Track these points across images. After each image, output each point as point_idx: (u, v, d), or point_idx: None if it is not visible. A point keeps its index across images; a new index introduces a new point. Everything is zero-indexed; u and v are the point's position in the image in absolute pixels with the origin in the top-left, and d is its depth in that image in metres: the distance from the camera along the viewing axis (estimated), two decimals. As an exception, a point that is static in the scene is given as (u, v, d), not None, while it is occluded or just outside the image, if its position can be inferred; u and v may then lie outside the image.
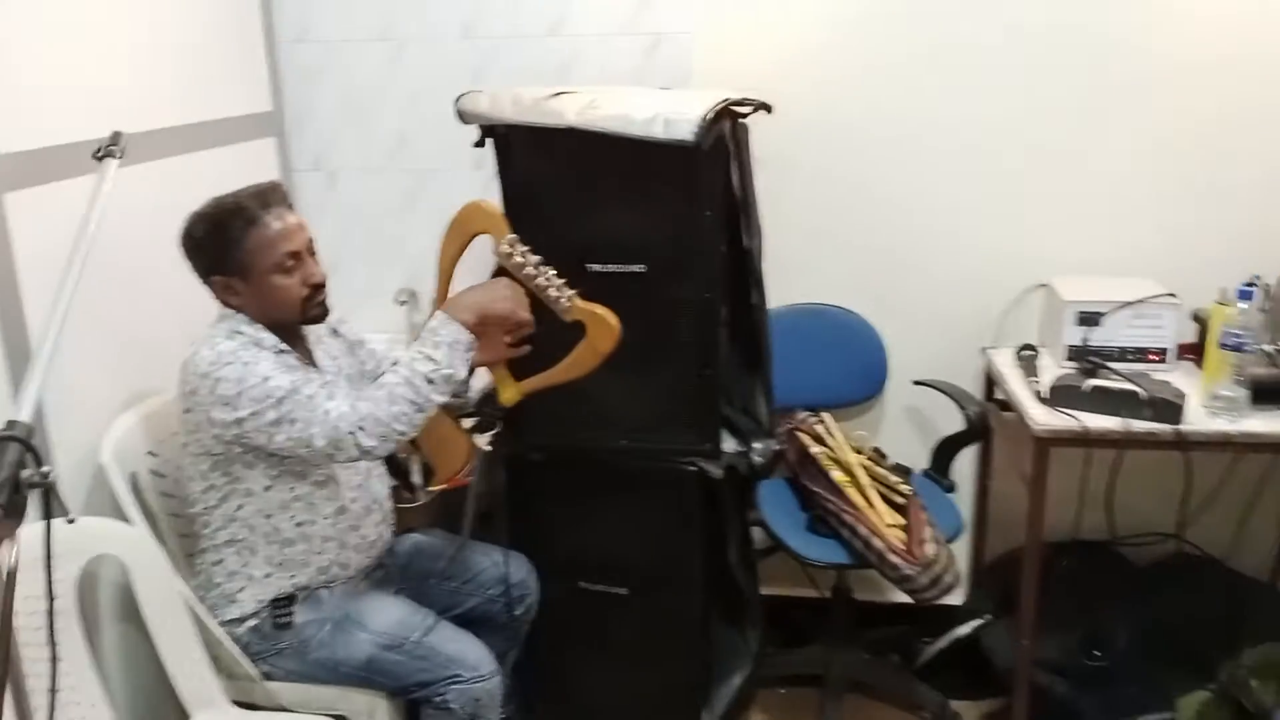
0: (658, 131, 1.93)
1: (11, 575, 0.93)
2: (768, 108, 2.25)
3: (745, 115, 2.18)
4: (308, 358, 1.95)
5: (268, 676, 1.91)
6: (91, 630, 1.92)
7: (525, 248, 1.82)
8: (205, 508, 1.88)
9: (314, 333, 2.01)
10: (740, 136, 2.21)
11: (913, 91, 2.51)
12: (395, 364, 1.78)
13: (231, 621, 1.89)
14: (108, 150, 1.29)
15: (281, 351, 1.84)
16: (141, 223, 1.84)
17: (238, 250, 1.79)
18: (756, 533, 2.46)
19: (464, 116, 2.14)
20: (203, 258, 1.82)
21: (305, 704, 1.91)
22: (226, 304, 1.85)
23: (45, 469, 0.87)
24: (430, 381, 1.72)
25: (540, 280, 1.83)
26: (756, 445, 2.28)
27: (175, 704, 1.88)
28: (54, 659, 1.05)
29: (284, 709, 1.91)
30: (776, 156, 2.53)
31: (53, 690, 1.02)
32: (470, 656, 1.88)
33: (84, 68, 1.97)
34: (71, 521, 0.91)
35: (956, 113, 2.50)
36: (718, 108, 1.95)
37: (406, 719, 1.98)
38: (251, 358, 1.76)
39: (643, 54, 2.57)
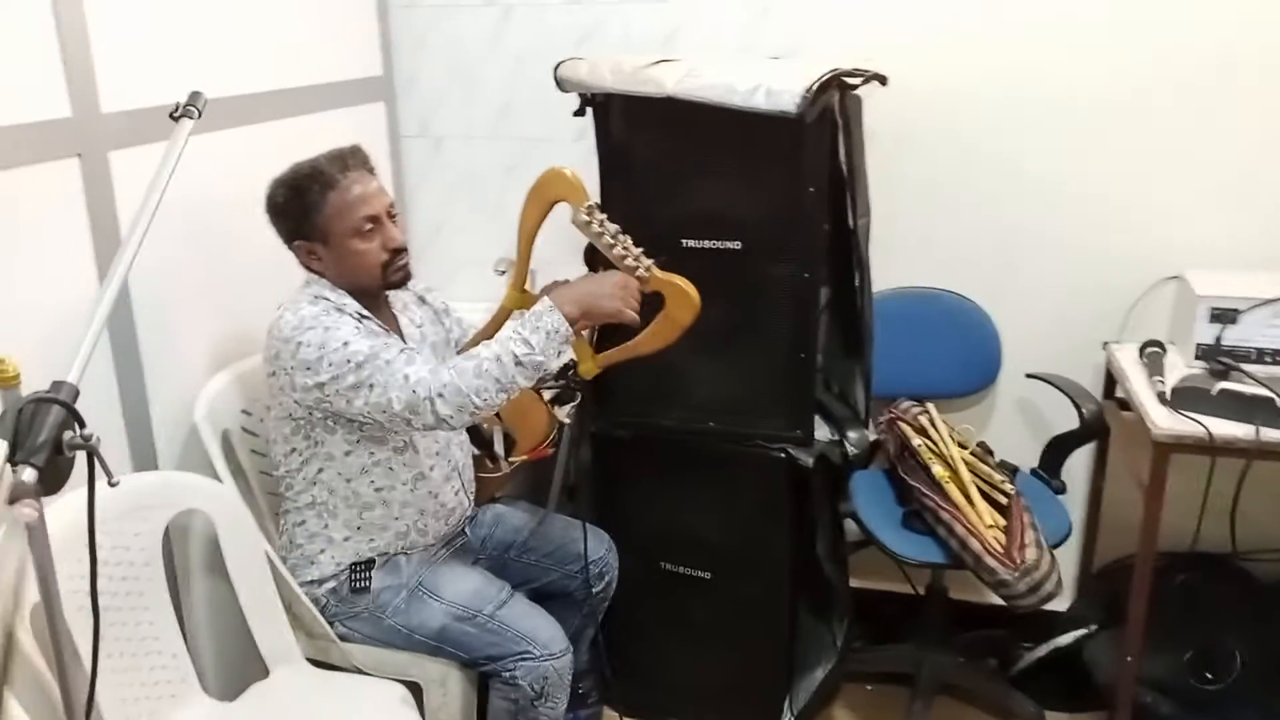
0: (759, 102, 1.85)
1: (41, 533, 0.93)
2: (882, 79, 2.14)
3: (855, 86, 2.07)
4: (392, 324, 1.95)
5: (344, 638, 1.93)
6: (181, 582, 1.98)
7: (603, 215, 1.76)
8: (288, 470, 1.90)
9: (399, 299, 2.01)
10: (850, 109, 2.11)
11: (1037, 68, 2.34)
12: (491, 340, 1.75)
13: (311, 582, 1.92)
14: (185, 110, 1.29)
15: (364, 317, 1.84)
16: (248, 184, 1.85)
17: (317, 215, 1.80)
18: (849, 524, 2.37)
19: (563, 84, 2.09)
20: (285, 223, 1.83)
21: (379, 667, 1.92)
22: (309, 269, 1.86)
23: (87, 432, 0.86)
24: (520, 364, 1.69)
25: (618, 249, 1.77)
26: (851, 434, 2.19)
27: (256, 658, 1.92)
28: (95, 617, 1.05)
29: (359, 671, 1.93)
30: (891, 131, 2.41)
31: (95, 647, 1.03)
32: (542, 634, 1.86)
33: (195, 29, 2.00)
34: (114, 484, 0.90)
35: (1084, 90, 2.32)
36: (824, 78, 1.86)
37: (478, 690, 1.98)
38: (333, 323, 1.76)
39: (753, 21, 2.47)
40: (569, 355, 1.93)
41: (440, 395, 1.68)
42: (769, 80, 1.85)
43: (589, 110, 2.11)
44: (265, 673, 1.92)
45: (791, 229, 2.01)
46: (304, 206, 1.79)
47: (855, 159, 2.11)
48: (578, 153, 2.47)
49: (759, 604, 2.27)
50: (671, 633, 2.38)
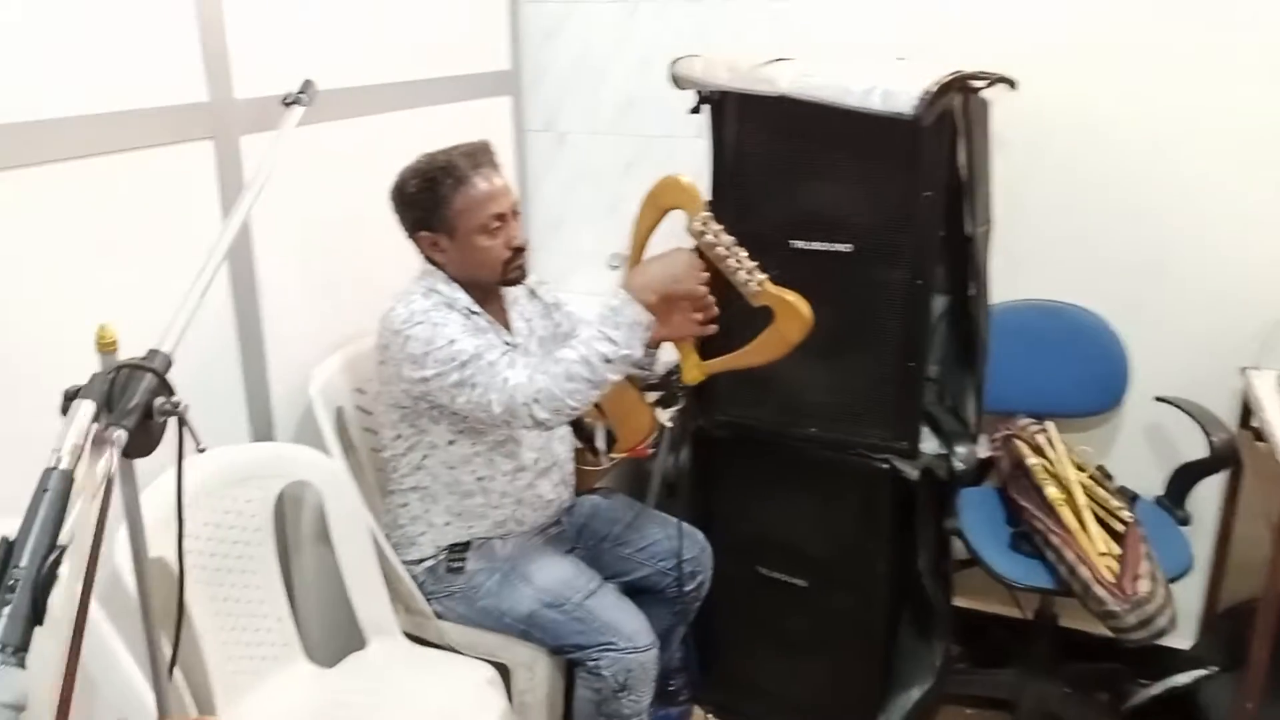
0: (875, 103, 1.81)
1: (132, 494, 0.98)
2: (1010, 83, 2.05)
3: (979, 90, 2.00)
4: (501, 318, 1.99)
5: (439, 616, 1.98)
6: (292, 550, 2.07)
7: (719, 227, 1.75)
8: (394, 454, 1.96)
9: (510, 293, 2.04)
10: (974, 113, 2.03)
11: (1179, 77, 2.21)
12: (576, 339, 1.76)
13: (411, 561, 1.98)
14: (296, 98, 1.35)
15: (473, 313, 1.89)
16: (374, 172, 1.93)
17: (446, 208, 1.84)
18: (956, 542, 2.29)
19: (678, 81, 2.09)
20: (412, 212, 1.88)
21: (471, 647, 1.97)
22: (430, 260, 1.91)
23: (176, 399, 0.91)
24: (608, 361, 1.71)
25: (731, 261, 1.76)
26: (959, 449, 2.12)
27: (355, 629, 1.99)
28: (181, 577, 1.10)
29: (452, 649, 1.98)
30: (1023, 138, 2.32)
31: (180, 605, 1.08)
32: (627, 626, 1.87)
33: (328, 19, 2.08)
34: (202, 451, 0.95)
35: (1227, 102, 2.18)
36: (944, 81, 1.80)
37: (565, 677, 2.00)
38: (442, 319, 1.80)
39: (883, 22, 2.41)
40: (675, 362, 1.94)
41: (536, 400, 1.71)
42: (886, 81, 1.80)
43: (705, 108, 2.10)
44: (363, 643, 1.99)
45: (904, 233, 1.96)
46: (435, 199, 1.84)
47: (977, 164, 2.04)
48: (699, 151, 2.47)
49: (855, 617, 2.23)
50: (765, 638, 2.36)
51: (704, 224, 1.74)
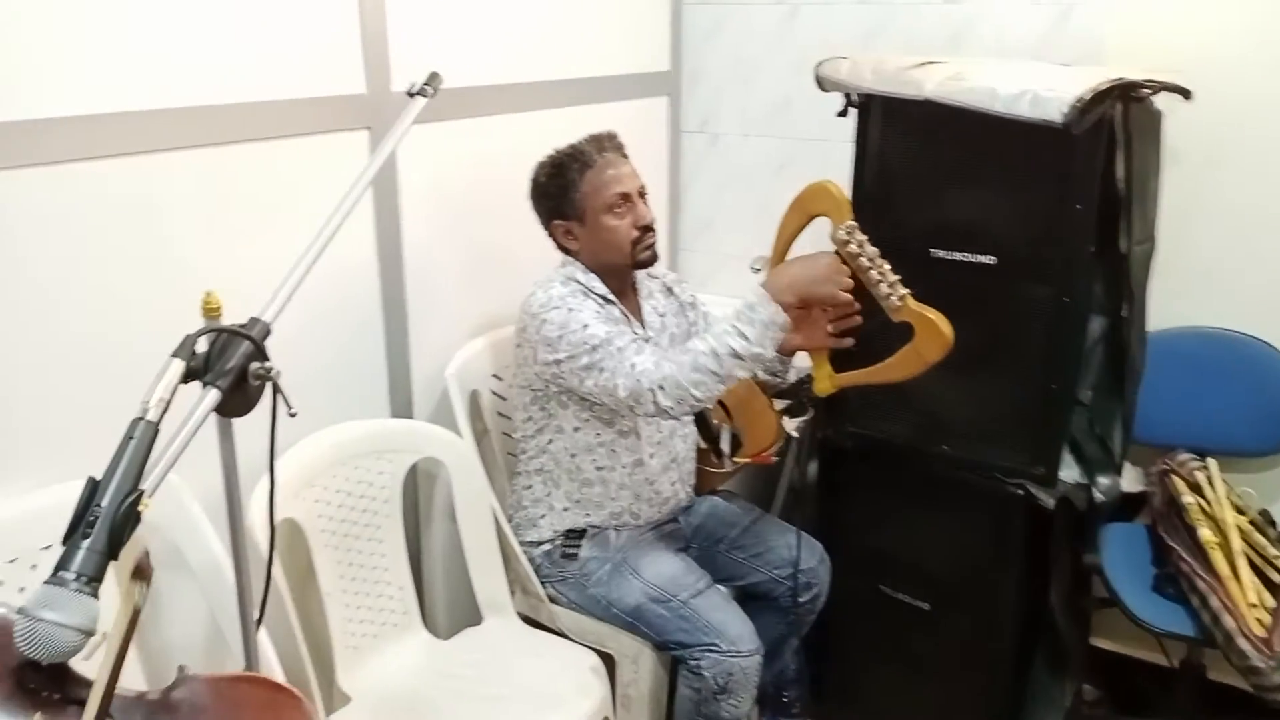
0: (1023, 109, 1.73)
1: (229, 453, 1.05)
2: (1184, 92, 1.92)
3: (1145, 98, 1.87)
4: (635, 310, 2.02)
5: (552, 600, 2.03)
6: (423, 523, 2.17)
7: (863, 237, 1.71)
8: (523, 436, 2.03)
9: (646, 287, 2.07)
10: (1139, 123, 1.91)
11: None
12: (707, 331, 1.77)
13: (530, 543, 2.04)
14: (421, 89, 1.41)
15: (608, 302, 1.93)
16: (528, 166, 1.99)
17: (575, 192, 1.90)
18: (1097, 578, 2.16)
19: (823, 83, 2.06)
20: (545, 202, 1.95)
21: (580, 634, 2.01)
22: (565, 250, 1.97)
23: (269, 365, 0.98)
24: (736, 357, 1.71)
25: (873, 273, 1.71)
26: (1102, 480, 2.00)
27: (473, 604, 2.07)
28: (272, 539, 1.17)
29: (562, 634, 2.03)
30: (1199, 151, 2.17)
31: (270, 559, 1.15)
32: (731, 630, 1.86)
33: (487, 16, 2.16)
34: (294, 415, 1.01)
35: None
36: (1101, 87, 1.70)
37: (669, 674, 2.01)
38: (577, 305, 1.86)
39: (1049, 25, 2.30)
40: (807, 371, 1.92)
41: (661, 387, 1.73)
42: (1037, 86, 1.72)
43: (852, 111, 2.06)
44: (479, 619, 2.06)
45: (1052, 247, 1.86)
46: (563, 184, 1.91)
47: (1138, 178, 1.91)
48: (851, 155, 2.43)
49: (980, 645, 2.13)
50: (884, 658, 2.29)
51: (849, 233, 1.71)
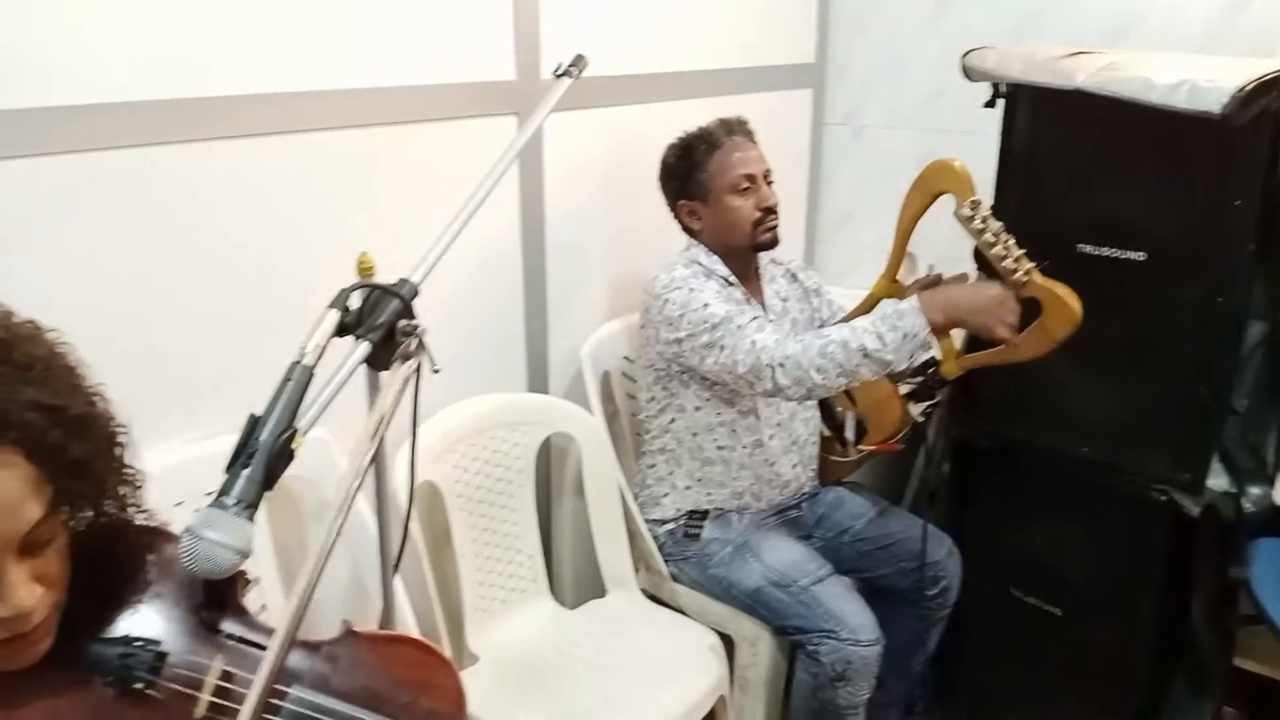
0: (1179, 100, 1.67)
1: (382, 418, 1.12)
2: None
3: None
4: (757, 294, 2.05)
5: (674, 578, 2.07)
6: (555, 495, 2.24)
7: (988, 212, 1.70)
8: (647, 415, 2.07)
9: (769, 271, 2.09)
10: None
11: None
12: (848, 323, 1.78)
13: (654, 521, 2.08)
14: (567, 70, 1.47)
15: (729, 284, 1.96)
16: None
17: (701, 173, 1.95)
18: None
19: (970, 73, 2.03)
20: (672, 183, 2.01)
21: (700, 614, 2.04)
22: (690, 231, 2.02)
23: (416, 323, 1.04)
24: (867, 356, 1.70)
25: (998, 249, 1.69)
26: (1253, 490, 1.90)
27: (597, 577, 2.13)
28: (411, 487, 1.24)
29: (682, 612, 2.06)
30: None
31: (408, 514, 1.22)
32: (851, 619, 1.85)
33: (638, 7, 2.22)
34: (437, 371, 1.07)
35: None
36: (1266, 78, 1.62)
37: (787, 658, 2.02)
38: (699, 286, 1.89)
39: (1223, 15, 2.19)
40: (931, 353, 1.90)
41: (781, 365, 1.74)
42: (1196, 76, 1.65)
43: (999, 102, 2.02)
44: (603, 592, 2.12)
45: (1207, 246, 1.79)
46: (690, 165, 1.96)
47: (1308, 174, 1.81)
48: (997, 147, 2.38)
49: (1115, 656, 2.06)
50: (1012, 664, 2.24)
51: (972, 208, 1.69)
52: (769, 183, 1.98)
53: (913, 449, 2.24)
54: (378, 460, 1.17)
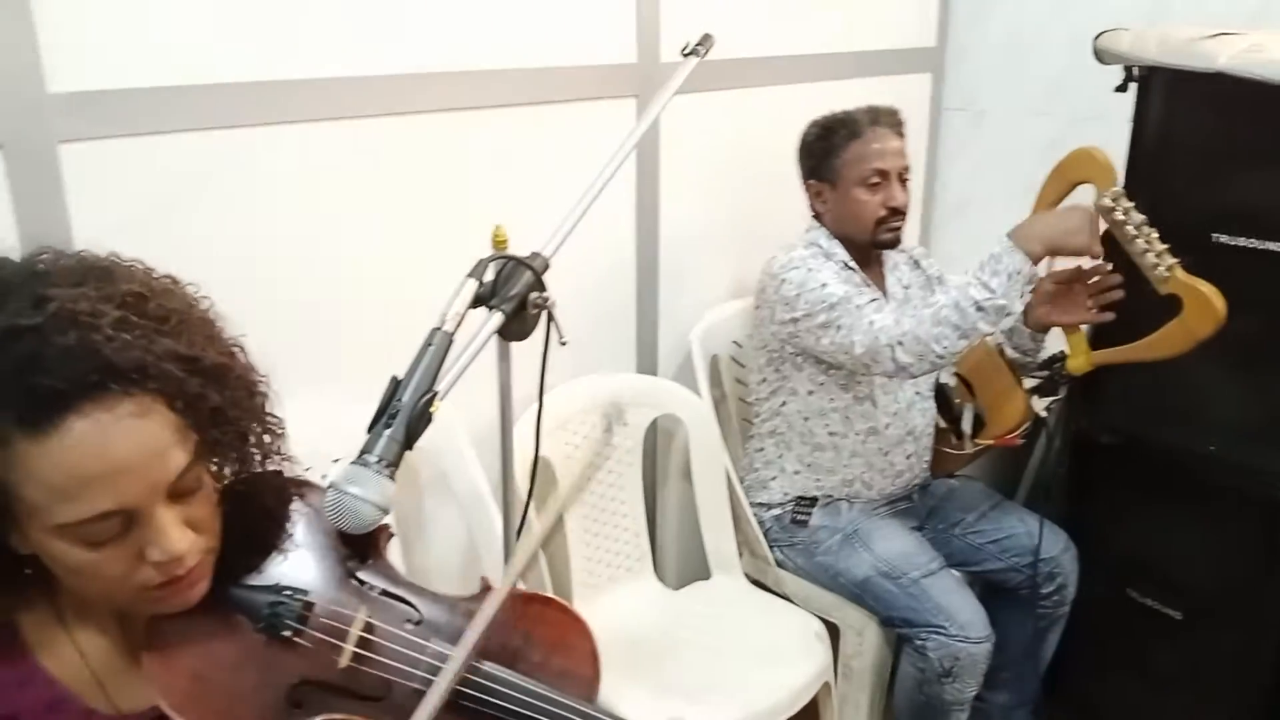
0: (1331, 84, 1.59)
1: (505, 378, 1.15)
2: None
3: None
4: (879, 281, 2.02)
5: (779, 564, 2.07)
6: (659, 476, 2.26)
7: (1130, 204, 1.65)
8: (758, 398, 2.07)
9: (891, 259, 2.06)
10: None
11: None
12: (950, 285, 1.75)
13: (760, 505, 2.08)
14: (694, 49, 1.46)
15: (848, 267, 1.93)
16: (781, 138, 2.03)
17: (835, 158, 1.92)
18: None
19: (1101, 56, 1.96)
20: (807, 160, 1.99)
21: (805, 601, 2.03)
22: (814, 211, 2.00)
23: (547, 295, 1.06)
24: (980, 309, 1.66)
25: (1139, 242, 1.64)
26: (1398, 496, 1.80)
27: (702, 560, 2.14)
28: (536, 457, 1.26)
29: (787, 598, 2.06)
30: None
31: (531, 489, 1.24)
32: (961, 614, 1.82)
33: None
34: (564, 344, 1.10)
35: None
36: None
37: (893, 650, 2.00)
38: (817, 266, 1.88)
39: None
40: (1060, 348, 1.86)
41: (900, 343, 1.72)
42: (1352, 58, 1.57)
43: (1131, 86, 1.95)
44: (706, 575, 2.13)
45: (1358, 237, 1.70)
46: (827, 148, 1.93)
47: None
48: (1127, 135, 2.30)
49: (1238, 664, 1.98)
50: (1126, 668, 2.16)
51: (1114, 200, 1.65)
52: (903, 181, 1.93)
53: (1029, 444, 2.19)
54: (504, 432, 1.19)
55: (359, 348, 1.59)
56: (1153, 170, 1.93)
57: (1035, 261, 1.65)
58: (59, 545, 0.74)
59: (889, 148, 1.91)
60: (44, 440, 0.71)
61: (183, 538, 0.78)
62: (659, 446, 2.23)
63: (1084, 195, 1.77)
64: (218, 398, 0.80)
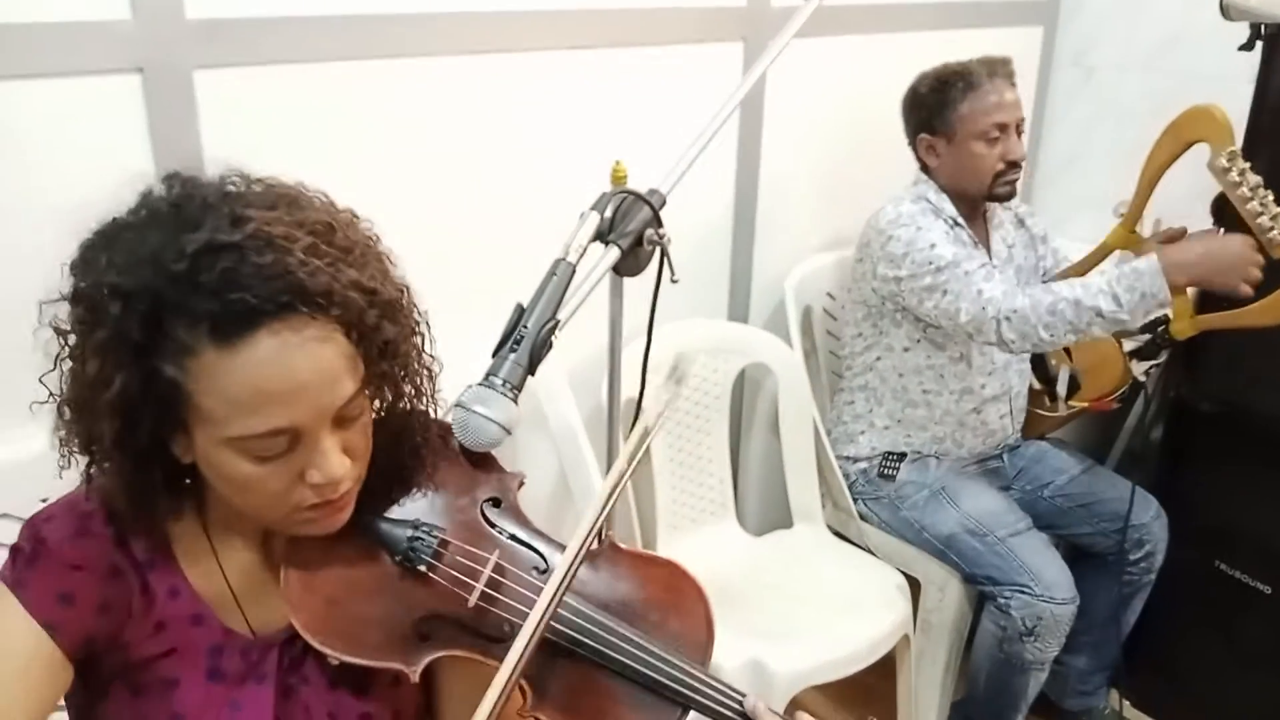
0: None
1: (617, 317, 1.17)
2: None
3: None
4: (984, 238, 1.99)
5: (862, 517, 2.07)
6: (745, 424, 2.27)
7: (1245, 164, 1.61)
8: (851, 352, 2.06)
9: (997, 217, 2.03)
10: None
11: None
12: (1080, 280, 1.72)
13: (846, 458, 2.08)
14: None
15: (957, 225, 1.91)
16: (886, 88, 2.00)
17: (951, 111, 1.88)
18: None
19: (1228, 11, 1.88)
20: (917, 114, 1.95)
21: (887, 554, 2.04)
22: (924, 166, 1.97)
23: (663, 232, 1.08)
24: (1100, 316, 1.65)
25: (1254, 204, 1.61)
26: None
27: (785, 508, 2.15)
28: (642, 383, 1.28)
29: (869, 550, 2.07)
30: None
31: (635, 416, 1.27)
32: (1047, 574, 1.81)
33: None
34: (675, 282, 1.11)
35: None
36: None
37: (974, 607, 2.00)
38: (926, 224, 1.85)
39: None
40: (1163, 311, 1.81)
41: (1008, 319, 1.70)
42: None
43: (1258, 44, 1.88)
44: (789, 524, 2.14)
45: None
46: (942, 100, 1.90)
47: None
48: (1247, 96, 2.21)
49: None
50: (1210, 640, 2.13)
51: (1230, 160, 1.61)
52: (1019, 133, 1.90)
53: (1124, 409, 2.15)
54: (611, 367, 1.22)
55: (481, 277, 1.63)
56: (1275, 133, 1.87)
57: (1174, 292, 1.62)
58: (226, 456, 0.77)
59: (1006, 100, 1.87)
60: (232, 353, 0.73)
61: (341, 463, 0.80)
62: (745, 395, 2.24)
63: (1199, 155, 1.72)
64: (390, 331, 0.82)
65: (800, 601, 1.92)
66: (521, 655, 0.76)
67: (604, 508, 0.82)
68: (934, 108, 1.91)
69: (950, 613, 1.98)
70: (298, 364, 0.75)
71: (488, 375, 0.91)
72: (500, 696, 0.74)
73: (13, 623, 0.80)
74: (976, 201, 1.95)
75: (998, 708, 1.93)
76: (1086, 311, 1.64)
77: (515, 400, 0.91)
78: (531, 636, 0.77)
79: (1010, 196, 1.93)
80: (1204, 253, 1.64)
